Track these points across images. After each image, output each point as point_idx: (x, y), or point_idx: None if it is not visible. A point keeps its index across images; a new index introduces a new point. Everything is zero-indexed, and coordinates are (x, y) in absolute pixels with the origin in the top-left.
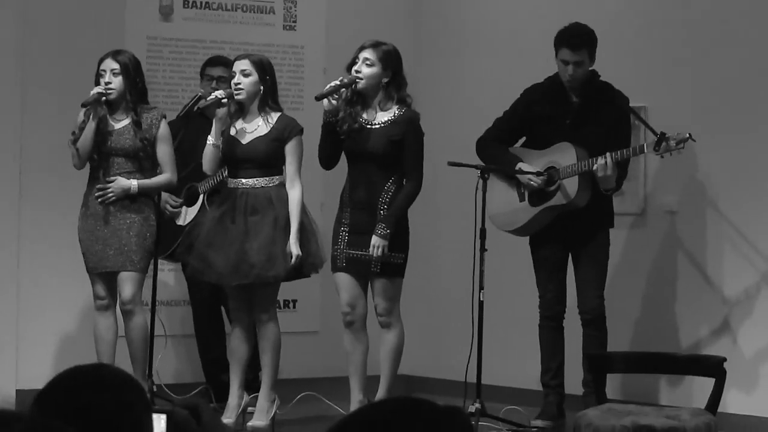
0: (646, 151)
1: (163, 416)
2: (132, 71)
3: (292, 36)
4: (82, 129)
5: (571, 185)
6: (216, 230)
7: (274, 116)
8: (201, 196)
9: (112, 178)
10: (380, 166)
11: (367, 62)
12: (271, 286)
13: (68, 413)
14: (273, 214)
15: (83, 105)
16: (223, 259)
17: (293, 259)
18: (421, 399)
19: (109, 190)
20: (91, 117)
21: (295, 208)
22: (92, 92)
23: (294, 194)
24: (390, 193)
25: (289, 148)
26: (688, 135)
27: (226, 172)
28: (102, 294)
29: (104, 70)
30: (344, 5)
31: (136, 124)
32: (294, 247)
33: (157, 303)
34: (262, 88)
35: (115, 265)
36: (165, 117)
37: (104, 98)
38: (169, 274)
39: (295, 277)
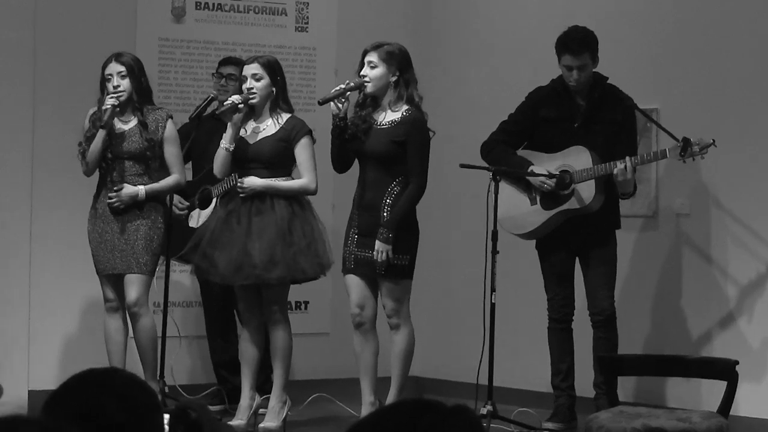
0: (669, 156)
1: (166, 416)
2: (137, 71)
3: (304, 38)
4: (89, 138)
5: (586, 189)
6: (222, 230)
7: (284, 117)
8: (214, 200)
9: (120, 185)
10: (384, 167)
11: (371, 65)
12: (278, 287)
13: (79, 416)
14: (276, 216)
15: (102, 127)
16: (226, 259)
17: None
18: (431, 400)
19: (117, 198)
20: (101, 127)
21: (288, 182)
22: (106, 105)
23: (299, 180)
24: (394, 195)
25: (298, 150)
26: (711, 141)
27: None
28: (111, 296)
29: (110, 75)
30: (356, 7)
31: (143, 124)
32: (247, 180)
33: (170, 304)
34: (274, 89)
35: (122, 267)
36: (171, 117)
37: (118, 106)
38: (183, 275)
39: (303, 280)
